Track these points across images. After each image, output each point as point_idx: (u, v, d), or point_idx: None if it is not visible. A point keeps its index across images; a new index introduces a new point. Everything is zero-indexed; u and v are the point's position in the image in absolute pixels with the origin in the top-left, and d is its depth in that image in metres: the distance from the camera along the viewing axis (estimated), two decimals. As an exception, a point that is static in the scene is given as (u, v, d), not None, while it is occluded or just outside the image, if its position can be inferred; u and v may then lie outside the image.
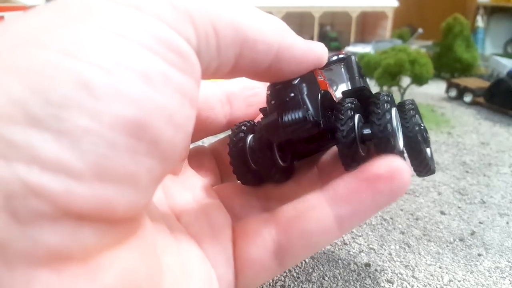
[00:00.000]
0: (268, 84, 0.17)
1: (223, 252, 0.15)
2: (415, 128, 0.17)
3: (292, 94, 0.15)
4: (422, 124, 0.18)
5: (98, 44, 0.09)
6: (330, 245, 0.30)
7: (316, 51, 0.15)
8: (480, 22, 1.32)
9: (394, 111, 0.17)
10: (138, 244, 0.11)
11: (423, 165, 0.17)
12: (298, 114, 0.15)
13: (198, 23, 0.11)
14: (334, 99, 0.17)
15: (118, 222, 0.10)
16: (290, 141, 0.17)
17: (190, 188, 0.18)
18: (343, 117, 0.15)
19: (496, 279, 0.26)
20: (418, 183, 0.40)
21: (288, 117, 0.15)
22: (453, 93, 0.75)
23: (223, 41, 0.12)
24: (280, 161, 0.18)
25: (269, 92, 0.16)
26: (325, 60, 0.16)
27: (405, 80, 0.63)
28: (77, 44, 0.09)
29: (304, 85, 0.15)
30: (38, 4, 1.00)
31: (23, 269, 0.09)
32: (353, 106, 0.16)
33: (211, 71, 0.12)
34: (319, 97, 0.15)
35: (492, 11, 1.36)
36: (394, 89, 0.66)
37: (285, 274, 0.26)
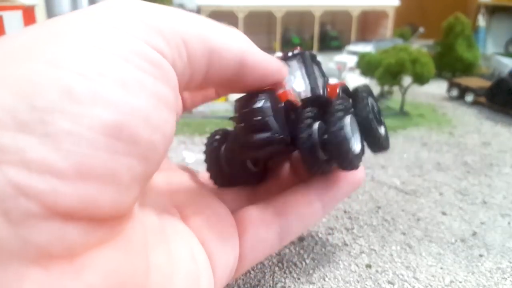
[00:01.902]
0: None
1: (230, 240, 0.17)
2: (366, 109, 0.19)
3: (259, 117, 0.17)
4: (374, 106, 0.20)
5: (80, 55, 0.10)
6: (331, 245, 0.29)
7: (275, 63, 0.17)
8: (481, 21, 1.31)
9: (348, 118, 0.18)
10: (124, 243, 0.12)
11: (376, 143, 0.19)
12: (266, 136, 0.16)
13: (169, 38, 0.12)
14: (297, 104, 0.19)
15: (103, 221, 0.11)
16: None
17: (187, 183, 0.19)
18: (302, 125, 0.17)
19: (498, 280, 0.26)
20: (419, 183, 0.40)
21: (257, 138, 0.16)
22: (455, 92, 0.74)
23: (193, 51, 0.13)
24: (253, 167, 0.20)
25: (237, 115, 0.17)
26: (284, 72, 0.18)
27: (406, 80, 0.62)
28: (61, 55, 0.10)
29: (268, 105, 0.17)
30: (36, 3, 1.00)
31: (15, 266, 0.09)
32: (312, 114, 0.18)
33: (186, 79, 0.14)
34: (282, 112, 0.17)
35: (493, 10, 1.35)
36: (395, 88, 0.66)
37: (285, 275, 0.26)
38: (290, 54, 0.21)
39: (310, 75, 0.20)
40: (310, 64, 0.21)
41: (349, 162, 0.18)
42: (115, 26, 0.11)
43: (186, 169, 0.23)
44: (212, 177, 0.21)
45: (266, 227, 0.18)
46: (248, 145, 0.17)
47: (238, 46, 0.15)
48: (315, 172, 0.18)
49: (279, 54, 0.22)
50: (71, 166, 0.10)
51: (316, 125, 0.18)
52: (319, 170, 0.18)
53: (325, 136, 0.18)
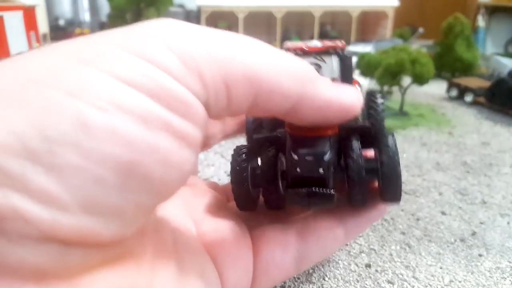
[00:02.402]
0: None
1: (243, 259, 0.16)
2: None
3: (322, 171, 0.15)
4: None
5: (101, 87, 0.10)
6: (331, 245, 0.30)
7: (343, 101, 0.14)
8: (481, 21, 1.31)
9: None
10: (125, 264, 0.11)
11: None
12: (322, 192, 0.15)
13: (208, 80, 0.11)
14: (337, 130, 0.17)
15: (104, 246, 0.11)
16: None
17: (207, 200, 0.19)
18: (353, 162, 0.16)
19: (497, 279, 0.26)
20: (419, 183, 0.40)
21: (312, 192, 0.15)
22: (454, 93, 0.75)
23: (235, 95, 0.12)
24: (281, 190, 0.18)
25: (297, 158, 0.16)
26: (356, 110, 0.15)
27: (406, 80, 0.62)
28: (82, 85, 0.10)
29: (331, 159, 0.15)
30: (36, 4, 0.99)
31: (9, 282, 0.09)
32: (360, 148, 0.16)
33: (221, 117, 0.13)
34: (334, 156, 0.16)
35: (493, 11, 1.36)
36: (395, 88, 0.66)
37: (285, 274, 0.26)
38: (329, 47, 0.19)
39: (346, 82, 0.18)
40: (348, 69, 0.18)
41: (400, 193, 0.17)
42: (149, 59, 0.10)
43: (212, 184, 0.23)
44: (238, 201, 0.19)
45: (282, 249, 0.17)
46: (301, 195, 0.15)
47: (295, 89, 0.12)
48: (362, 203, 0.17)
49: (317, 43, 0.19)
50: (74, 200, 0.09)
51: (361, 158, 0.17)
52: (365, 202, 0.17)
53: (371, 166, 0.17)
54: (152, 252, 0.13)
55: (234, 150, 0.19)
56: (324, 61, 0.19)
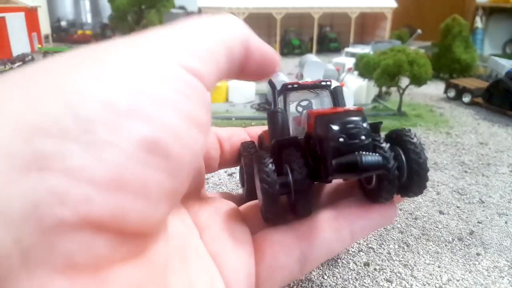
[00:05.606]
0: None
1: (244, 265, 0.17)
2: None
3: (364, 138, 0.16)
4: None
5: (121, 73, 0.11)
6: (330, 244, 0.30)
7: (271, 49, 0.18)
8: (479, 22, 1.32)
9: None
10: (147, 263, 0.12)
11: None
12: (378, 158, 0.15)
13: (202, 56, 0.14)
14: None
15: (130, 236, 0.11)
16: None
17: (213, 206, 0.19)
18: (390, 165, 0.16)
19: (495, 278, 0.27)
20: (417, 183, 0.40)
21: (369, 160, 0.15)
22: (452, 93, 0.75)
23: (219, 57, 0.14)
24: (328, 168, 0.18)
25: (337, 128, 0.16)
26: (279, 62, 0.18)
27: (404, 81, 0.63)
28: (104, 72, 0.11)
29: (368, 127, 0.16)
30: (38, 5, 0.99)
31: (40, 274, 0.09)
32: (388, 147, 0.17)
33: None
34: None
35: (491, 12, 1.36)
36: (393, 89, 0.67)
37: (285, 273, 0.27)
38: (323, 83, 0.21)
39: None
40: (339, 98, 0.21)
41: (424, 188, 0.17)
42: (153, 51, 0.13)
43: (224, 194, 0.23)
44: (267, 214, 0.18)
45: (285, 252, 0.17)
46: (357, 164, 0.15)
47: (243, 36, 0.15)
48: (390, 199, 0.18)
49: (307, 79, 0.21)
50: (108, 176, 0.10)
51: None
52: (392, 197, 0.18)
53: (400, 164, 0.17)
54: (164, 258, 0.13)
55: (257, 159, 0.18)
56: (317, 93, 0.22)
